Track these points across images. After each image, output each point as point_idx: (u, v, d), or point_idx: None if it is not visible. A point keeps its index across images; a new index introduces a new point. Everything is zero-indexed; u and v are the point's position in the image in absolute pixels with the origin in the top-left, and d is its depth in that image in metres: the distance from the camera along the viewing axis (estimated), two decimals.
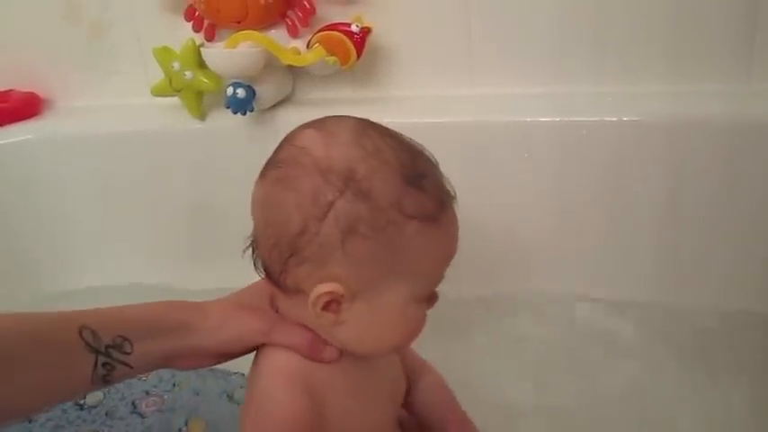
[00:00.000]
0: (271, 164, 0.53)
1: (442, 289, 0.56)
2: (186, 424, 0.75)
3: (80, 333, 0.51)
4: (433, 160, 0.54)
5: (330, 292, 0.50)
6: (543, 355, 0.95)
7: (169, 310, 0.56)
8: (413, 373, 0.67)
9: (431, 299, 0.56)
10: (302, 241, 0.50)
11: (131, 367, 0.53)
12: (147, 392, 0.77)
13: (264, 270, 0.55)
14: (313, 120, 0.54)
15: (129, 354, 0.52)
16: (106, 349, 0.51)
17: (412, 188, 0.50)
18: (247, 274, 0.57)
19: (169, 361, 0.56)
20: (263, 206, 0.52)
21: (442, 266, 0.54)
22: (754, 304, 0.96)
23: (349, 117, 0.54)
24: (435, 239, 0.52)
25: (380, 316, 0.53)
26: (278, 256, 0.51)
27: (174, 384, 0.79)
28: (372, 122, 0.54)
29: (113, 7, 1.15)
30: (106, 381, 0.52)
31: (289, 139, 0.53)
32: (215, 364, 0.59)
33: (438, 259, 0.54)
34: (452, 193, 0.54)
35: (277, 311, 0.58)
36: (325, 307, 0.51)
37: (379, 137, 0.52)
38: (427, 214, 0.51)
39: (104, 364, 0.51)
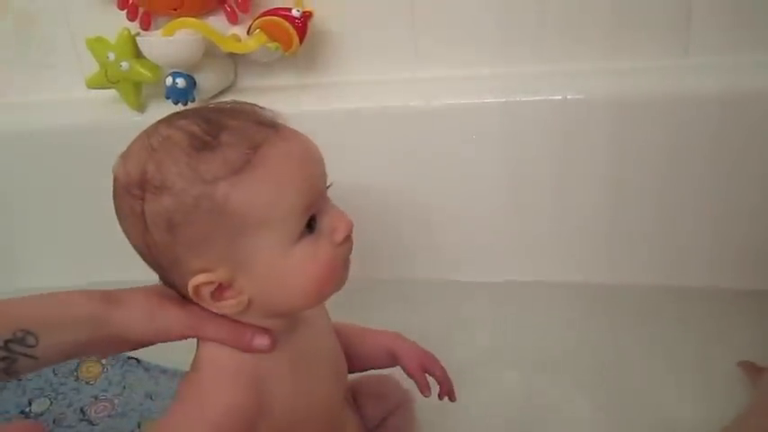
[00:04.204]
0: None
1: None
2: (139, 426, 0.73)
3: None
4: (245, 107, 0.54)
5: (206, 283, 0.51)
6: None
7: (84, 300, 0.54)
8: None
9: (320, 230, 0.53)
10: (152, 255, 0.52)
11: (37, 358, 0.51)
12: (96, 398, 0.75)
13: None
14: None
15: (33, 347, 0.50)
16: (5, 344, 0.49)
17: (204, 153, 0.49)
18: None
19: (82, 351, 0.54)
20: None
21: (289, 198, 0.51)
22: (703, 280, 0.99)
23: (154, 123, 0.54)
24: (258, 181, 0.50)
25: (270, 275, 0.52)
26: (157, 274, 0.55)
27: (124, 387, 0.77)
28: (176, 113, 0.53)
29: None
30: (8, 373, 0.50)
31: None
32: (131, 350, 0.58)
33: (279, 194, 0.50)
34: (271, 118, 0.53)
35: None
36: (218, 297, 0.52)
37: (168, 125, 0.52)
38: (231, 167, 0.49)
39: (3, 359, 0.49)
